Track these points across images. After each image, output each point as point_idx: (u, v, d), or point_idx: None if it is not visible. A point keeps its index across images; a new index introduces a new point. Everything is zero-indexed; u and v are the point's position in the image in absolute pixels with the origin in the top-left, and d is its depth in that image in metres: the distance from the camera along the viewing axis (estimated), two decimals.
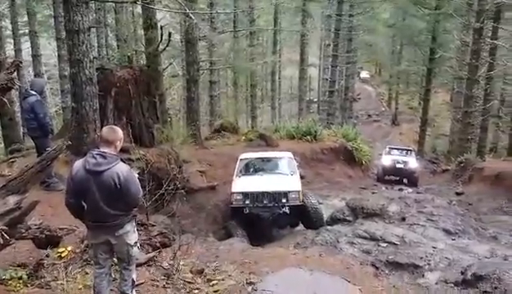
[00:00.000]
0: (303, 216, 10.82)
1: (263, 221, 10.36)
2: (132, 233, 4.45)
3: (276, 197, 10.32)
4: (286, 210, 10.28)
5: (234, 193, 10.63)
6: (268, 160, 12.54)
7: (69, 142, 7.78)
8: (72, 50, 9.41)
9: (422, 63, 36.85)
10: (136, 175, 4.53)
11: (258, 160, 12.51)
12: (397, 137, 40.58)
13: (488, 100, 24.65)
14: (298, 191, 10.57)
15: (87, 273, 5.60)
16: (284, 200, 10.31)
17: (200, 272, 6.07)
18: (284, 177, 11.34)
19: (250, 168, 12.16)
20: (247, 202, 10.34)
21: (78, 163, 4.27)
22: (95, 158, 4.17)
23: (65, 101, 18.31)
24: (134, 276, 4.66)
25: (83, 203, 4.25)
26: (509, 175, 13.95)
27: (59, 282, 5.31)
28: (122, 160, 4.36)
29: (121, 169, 4.22)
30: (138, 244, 4.66)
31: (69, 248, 6.08)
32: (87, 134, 9.56)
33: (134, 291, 4.69)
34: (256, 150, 14.45)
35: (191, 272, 6.00)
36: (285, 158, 12.45)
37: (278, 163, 12.30)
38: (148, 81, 12.02)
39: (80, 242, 6.24)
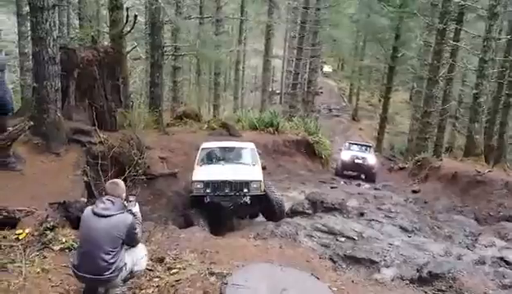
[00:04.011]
0: (265, 207, 10.80)
1: (224, 210, 10.27)
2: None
3: (237, 186, 10.21)
4: (247, 200, 10.22)
5: (195, 181, 10.39)
6: (230, 150, 12.36)
7: (31, 123, 7.54)
8: (35, 27, 9.08)
9: (384, 60, 37.51)
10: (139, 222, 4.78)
11: (220, 149, 12.30)
12: (356, 133, 41.21)
13: (447, 100, 25.29)
14: (260, 181, 10.50)
15: (45, 257, 5.50)
16: (245, 190, 10.22)
17: (161, 260, 6.04)
18: (245, 167, 11.22)
19: (212, 157, 11.96)
20: (208, 190, 10.17)
21: (88, 208, 4.58)
22: (104, 203, 4.48)
23: (25, 79, 17.68)
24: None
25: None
26: (464, 175, 14.31)
27: (16, 264, 5.18)
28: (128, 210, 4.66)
29: (126, 218, 4.51)
30: (130, 263, 4.68)
31: (27, 230, 5.91)
32: (48, 114, 9.26)
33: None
34: (218, 139, 14.32)
35: (152, 260, 5.94)
36: (247, 149, 12.32)
37: (240, 153, 12.14)
38: (112, 63, 11.76)
39: (39, 224, 6.09)
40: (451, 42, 22.59)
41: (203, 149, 12.07)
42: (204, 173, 10.74)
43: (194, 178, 10.55)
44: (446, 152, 25.90)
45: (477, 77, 19.74)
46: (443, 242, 9.26)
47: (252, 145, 12.57)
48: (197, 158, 11.72)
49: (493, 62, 21.37)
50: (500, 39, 21.38)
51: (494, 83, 22.80)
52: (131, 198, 4.85)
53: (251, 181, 10.38)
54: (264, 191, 10.52)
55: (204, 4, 27.52)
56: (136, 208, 4.79)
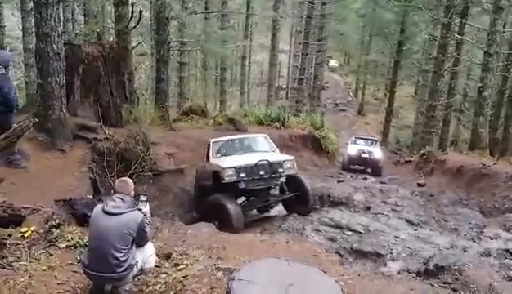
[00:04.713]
0: (299, 195, 10.44)
1: (260, 195, 10.05)
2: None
3: (272, 167, 9.80)
4: (283, 180, 10.03)
5: (226, 168, 9.68)
6: (244, 140, 12.02)
7: (36, 119, 7.56)
8: (39, 23, 9.05)
9: (390, 54, 37.39)
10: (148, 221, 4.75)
11: (234, 141, 11.91)
12: (362, 127, 41.15)
13: (452, 94, 25.21)
14: (292, 159, 10.26)
15: (51, 255, 5.48)
16: (280, 170, 9.88)
17: (168, 256, 6.02)
18: (267, 153, 10.78)
19: (228, 148, 11.50)
20: (242, 175, 9.62)
21: (98, 207, 4.56)
22: (114, 201, 4.47)
23: (29, 76, 17.74)
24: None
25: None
26: (469, 168, 14.28)
27: (22, 262, 5.17)
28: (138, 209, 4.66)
29: (137, 216, 4.50)
30: (140, 261, 4.67)
31: (33, 228, 5.86)
32: (53, 111, 9.27)
33: None
34: (225, 135, 14.16)
35: (158, 256, 5.87)
36: (261, 138, 12.03)
37: (256, 142, 11.80)
38: (117, 59, 11.73)
39: (44, 222, 6.06)
40: (456, 35, 22.45)
41: (214, 142, 11.65)
42: (230, 161, 10.20)
43: (223, 165, 9.88)
44: (451, 145, 25.79)
45: (482, 71, 19.62)
46: (449, 234, 9.27)
47: (264, 135, 12.32)
48: (210, 151, 11.35)
49: (498, 55, 21.20)
50: (504, 33, 21.23)
51: (499, 77, 22.63)
52: (142, 198, 4.86)
53: (284, 161, 10.12)
54: (297, 173, 10.35)
55: None
56: (146, 208, 4.80)
